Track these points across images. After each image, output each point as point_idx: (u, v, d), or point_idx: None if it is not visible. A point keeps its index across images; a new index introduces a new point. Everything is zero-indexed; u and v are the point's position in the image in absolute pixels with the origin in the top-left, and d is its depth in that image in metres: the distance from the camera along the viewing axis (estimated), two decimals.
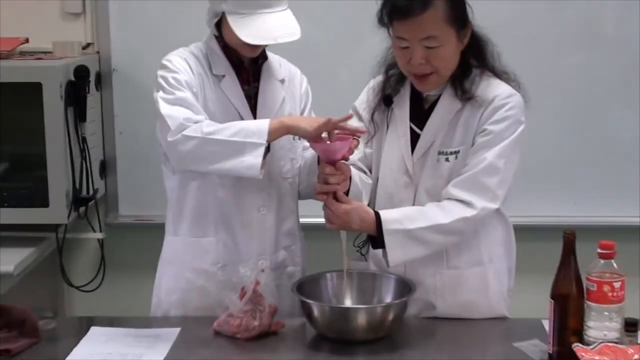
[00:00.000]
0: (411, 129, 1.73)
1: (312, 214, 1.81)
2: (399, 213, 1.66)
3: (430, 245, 1.64)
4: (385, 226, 1.63)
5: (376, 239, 1.66)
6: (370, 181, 1.78)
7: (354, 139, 1.66)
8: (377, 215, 1.65)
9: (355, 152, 1.73)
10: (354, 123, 1.76)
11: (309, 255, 1.93)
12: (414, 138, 1.72)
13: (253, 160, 1.59)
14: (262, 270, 1.68)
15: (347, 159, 1.65)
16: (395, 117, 1.75)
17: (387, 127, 1.76)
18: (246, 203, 1.78)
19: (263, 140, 1.61)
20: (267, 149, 1.63)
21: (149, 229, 2.23)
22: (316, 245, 1.94)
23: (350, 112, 1.75)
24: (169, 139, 1.62)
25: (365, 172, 1.80)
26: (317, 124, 1.63)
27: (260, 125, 1.63)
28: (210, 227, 1.78)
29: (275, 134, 1.65)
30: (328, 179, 1.62)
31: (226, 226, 1.78)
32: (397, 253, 1.63)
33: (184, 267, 1.80)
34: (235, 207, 1.78)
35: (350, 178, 1.68)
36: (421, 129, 1.72)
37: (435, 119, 1.70)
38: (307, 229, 1.93)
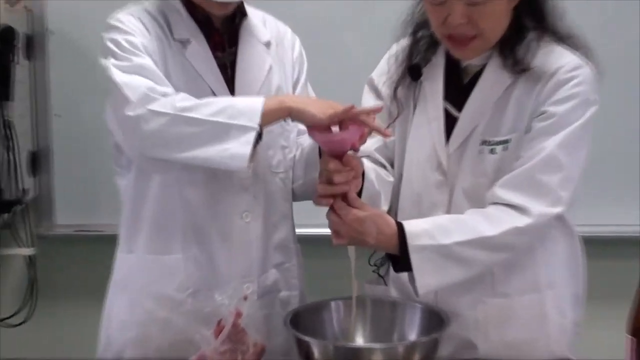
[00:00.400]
0: (446, 110, 1.71)
1: (312, 221, 1.79)
2: (428, 223, 1.63)
3: (472, 266, 1.62)
4: (411, 241, 1.60)
5: (399, 259, 1.62)
6: (391, 179, 1.77)
7: None
8: (400, 227, 1.62)
9: (372, 139, 1.71)
10: (369, 100, 1.76)
11: (308, 276, 1.92)
12: (450, 122, 1.70)
13: (240, 147, 1.56)
14: (245, 298, 1.69)
15: (357, 150, 1.62)
16: (425, 94, 1.73)
17: (415, 107, 1.74)
18: (224, 207, 1.76)
19: (254, 123, 1.58)
20: (259, 136, 1.60)
21: (95, 243, 2.25)
22: (318, 263, 1.97)
23: (381, 104, 1.73)
24: (129, 113, 1.59)
25: (384, 167, 1.78)
26: (332, 110, 1.58)
27: (253, 104, 1.60)
28: (177, 240, 1.75)
29: (271, 116, 1.61)
30: (333, 177, 1.59)
31: (198, 238, 1.75)
32: (428, 277, 1.60)
33: (142, 294, 1.77)
34: (210, 212, 1.75)
35: (364, 174, 1.66)
36: (459, 110, 1.70)
37: (477, 97, 1.68)
38: (306, 241, 1.92)
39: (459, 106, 1.70)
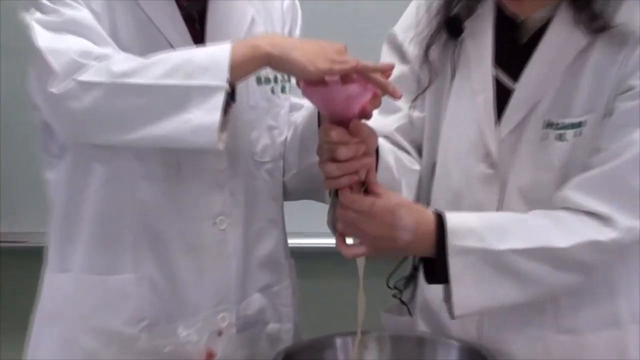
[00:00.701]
0: (497, 78, 1.66)
1: (310, 228, 1.91)
2: (478, 220, 1.58)
3: (531, 284, 1.57)
4: (452, 240, 1.55)
5: (434, 265, 1.57)
6: (416, 167, 1.73)
7: None
8: (440, 220, 1.57)
9: (392, 116, 1.70)
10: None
11: (305, 302, 1.88)
12: (503, 95, 1.65)
13: (205, 116, 1.50)
14: (220, 333, 1.66)
15: (368, 116, 1.55)
16: (468, 57, 1.69)
17: (453, 74, 1.70)
18: (191, 209, 1.71)
19: (221, 80, 1.51)
20: (231, 96, 1.54)
21: (15, 259, 2.27)
22: (318, 284, 2.04)
23: (392, 62, 1.64)
24: (52, 89, 1.55)
25: (407, 152, 1.74)
26: (328, 64, 1.51)
27: (216, 55, 1.55)
28: (127, 254, 1.70)
29: (243, 68, 1.55)
30: (337, 151, 1.52)
31: (155, 252, 1.70)
32: (470, 292, 1.55)
33: (80, 328, 1.71)
34: (172, 217, 1.70)
35: (378, 153, 1.61)
36: (515, 80, 1.64)
37: (540, 62, 1.63)
38: (302, 255, 1.89)
39: (515, 74, 1.64)
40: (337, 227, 1.57)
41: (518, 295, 1.57)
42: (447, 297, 1.56)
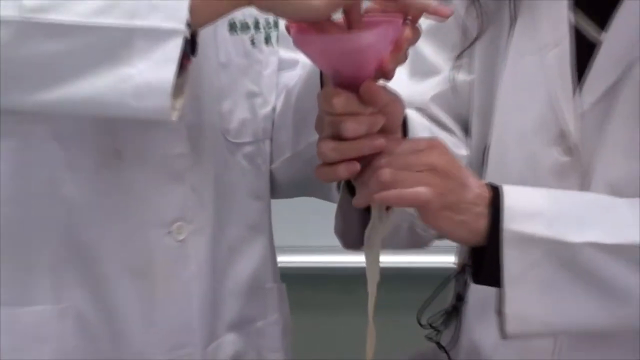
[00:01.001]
0: (576, 28, 1.57)
1: (308, 241, 1.88)
2: (548, 199, 1.53)
3: (618, 298, 1.50)
4: (509, 223, 1.47)
5: (484, 257, 1.50)
6: (463, 151, 1.67)
7: (406, 22, 1.42)
8: (496, 195, 1.50)
9: (427, 80, 1.65)
10: None
11: (299, 343, 1.83)
12: (584, 51, 1.56)
13: (152, 71, 1.39)
14: None
15: (388, 75, 1.44)
16: (533, 1, 1.60)
17: (513, 21, 1.61)
18: (136, 213, 1.59)
19: (178, 22, 1.39)
20: (192, 47, 1.43)
21: None
22: (317, 318, 1.98)
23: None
24: None
25: (448, 131, 1.68)
26: None
27: None
28: (44, 278, 1.57)
29: (212, 9, 1.44)
30: (342, 125, 1.43)
31: (85, 275, 1.58)
32: (530, 299, 1.49)
33: None
34: (108, 223, 1.58)
35: (405, 127, 1.54)
36: (602, 29, 1.55)
37: (636, 5, 1.52)
38: (297, 278, 1.87)
39: (602, 21, 1.55)
40: (381, 177, 1.42)
41: (599, 312, 1.49)
42: (499, 306, 1.48)
